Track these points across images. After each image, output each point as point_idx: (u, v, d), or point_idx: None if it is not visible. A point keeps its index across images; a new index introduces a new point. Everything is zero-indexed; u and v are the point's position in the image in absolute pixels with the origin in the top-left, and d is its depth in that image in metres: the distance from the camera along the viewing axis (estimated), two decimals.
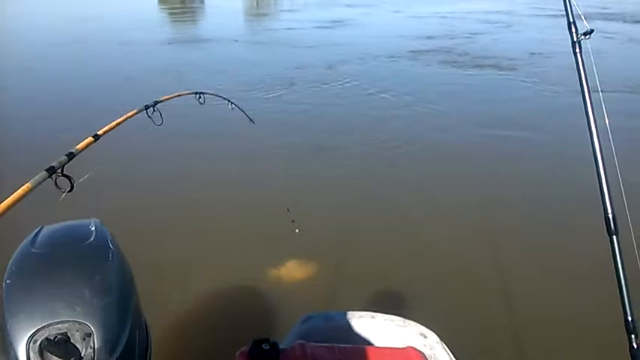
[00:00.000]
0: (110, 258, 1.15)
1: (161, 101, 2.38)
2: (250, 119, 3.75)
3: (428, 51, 12.36)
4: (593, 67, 1.71)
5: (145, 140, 4.43)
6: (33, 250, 1.13)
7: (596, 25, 14.80)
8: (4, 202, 1.36)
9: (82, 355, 1.00)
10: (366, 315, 1.63)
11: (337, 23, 19.30)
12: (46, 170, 1.54)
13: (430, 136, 6.60)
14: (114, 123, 1.96)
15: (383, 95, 8.58)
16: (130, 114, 2.10)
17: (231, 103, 3.66)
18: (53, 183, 1.56)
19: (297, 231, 3.88)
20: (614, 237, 1.59)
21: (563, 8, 1.78)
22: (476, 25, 17.81)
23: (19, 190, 1.43)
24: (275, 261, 3.90)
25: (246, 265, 3.85)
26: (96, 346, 1.01)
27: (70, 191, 1.60)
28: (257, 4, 36.07)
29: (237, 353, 1.23)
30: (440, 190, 5.04)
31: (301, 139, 6.40)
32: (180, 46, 14.61)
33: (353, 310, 1.64)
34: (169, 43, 14.78)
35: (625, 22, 18.87)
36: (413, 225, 4.41)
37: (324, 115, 7.59)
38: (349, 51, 12.66)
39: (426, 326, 1.58)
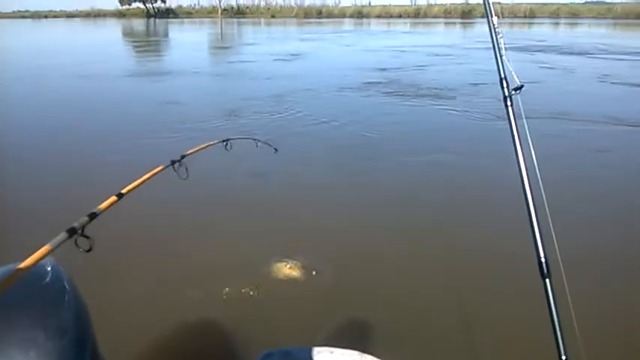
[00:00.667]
0: (66, 299, 1.09)
1: (188, 155, 2.29)
2: (275, 149, 3.78)
3: (376, 83, 12.50)
4: (524, 121, 1.75)
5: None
6: None
7: (535, 56, 15.36)
8: (23, 263, 1.31)
9: None
10: (324, 350, 1.60)
11: (294, 56, 19.47)
12: (67, 231, 1.45)
13: (364, 165, 6.63)
14: (139, 180, 1.85)
15: (327, 123, 8.65)
16: (155, 170, 1.98)
17: (257, 140, 3.67)
18: (73, 243, 1.49)
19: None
20: (547, 280, 1.62)
21: (495, 65, 1.82)
22: (424, 58, 18.19)
23: (39, 252, 1.36)
24: (238, 290, 3.75)
25: (208, 293, 3.71)
26: None
27: (88, 251, 1.54)
28: (221, 37, 36.22)
29: None
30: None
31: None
32: (140, 78, 14.48)
33: (311, 346, 1.60)
34: (129, 76, 14.66)
35: (561, 53, 19.57)
36: (361, 254, 4.31)
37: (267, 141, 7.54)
38: (302, 83, 12.74)
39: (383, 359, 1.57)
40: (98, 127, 8.56)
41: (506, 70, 1.83)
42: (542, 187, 1.67)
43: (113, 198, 1.70)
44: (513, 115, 1.77)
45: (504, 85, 1.82)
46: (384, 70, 14.89)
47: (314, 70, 15.84)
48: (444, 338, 3.27)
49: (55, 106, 10.43)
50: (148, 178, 1.88)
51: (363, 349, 1.64)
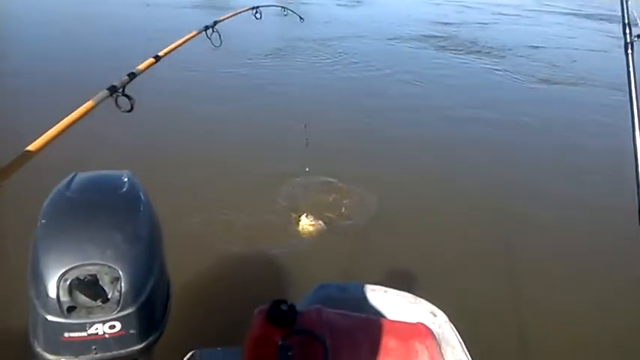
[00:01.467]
0: (141, 209, 1.14)
1: (220, 21, 2.30)
2: (300, 17, 3.74)
3: (432, 36, 12.06)
4: None
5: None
6: (68, 195, 1.12)
7: (603, 26, 14.25)
8: (69, 117, 1.36)
9: (109, 297, 1.01)
10: (379, 289, 1.60)
11: (358, 3, 18.82)
12: (108, 89, 1.52)
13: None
14: (175, 44, 1.91)
15: (373, 72, 8.54)
16: (190, 35, 2.03)
17: (285, 8, 3.71)
18: (114, 102, 1.53)
19: (307, 169, 4.06)
20: None
21: (620, 10, 1.77)
22: (488, 16, 17.29)
23: (82, 108, 1.41)
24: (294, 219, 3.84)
25: (269, 222, 3.78)
26: (122, 290, 1.01)
27: (129, 111, 1.55)
28: None
29: (256, 311, 1.20)
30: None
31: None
32: (203, 10, 14.38)
33: (366, 283, 1.61)
34: (194, 7, 14.58)
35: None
36: (418, 202, 4.28)
37: (308, 87, 7.48)
38: (359, 30, 12.40)
39: (436, 306, 1.57)
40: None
41: (630, 17, 1.77)
42: None
43: (151, 60, 1.75)
44: (632, 61, 1.70)
45: (627, 30, 1.76)
46: (443, 24, 14.29)
47: (374, 18, 15.31)
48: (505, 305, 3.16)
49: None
50: (183, 43, 1.94)
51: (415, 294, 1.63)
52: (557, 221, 4.04)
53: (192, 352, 1.48)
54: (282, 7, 3.72)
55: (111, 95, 1.53)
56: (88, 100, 1.43)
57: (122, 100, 1.56)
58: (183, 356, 1.47)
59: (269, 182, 4.24)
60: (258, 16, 3.08)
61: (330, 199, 4.09)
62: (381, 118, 6.19)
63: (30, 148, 1.22)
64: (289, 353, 1.09)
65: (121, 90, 1.55)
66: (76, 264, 1.00)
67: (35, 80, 6.27)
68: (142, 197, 1.18)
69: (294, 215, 3.83)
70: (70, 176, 1.19)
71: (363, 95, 7.09)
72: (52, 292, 0.99)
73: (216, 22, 2.30)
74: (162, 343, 1.15)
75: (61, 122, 1.33)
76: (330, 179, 4.36)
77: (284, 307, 1.18)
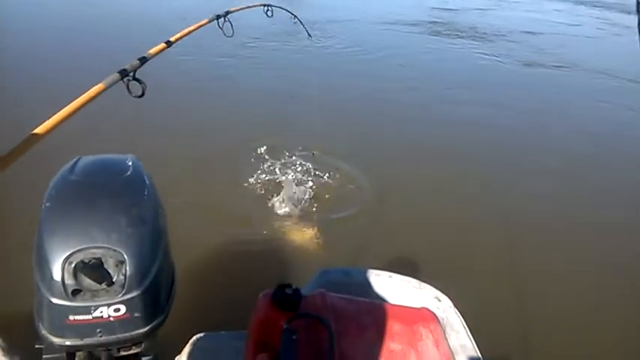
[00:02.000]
0: (145, 193, 1.13)
1: (232, 12, 2.29)
2: (308, 33, 3.68)
3: (428, 22, 11.99)
4: None
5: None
6: (72, 178, 1.11)
7: (601, 13, 14.15)
8: (79, 99, 1.33)
9: (114, 280, 1.00)
10: (384, 274, 1.61)
11: None
12: (119, 72, 1.48)
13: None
14: (186, 30, 1.90)
15: (362, 56, 8.61)
16: (202, 23, 2.03)
17: (295, 16, 3.66)
18: (125, 86, 1.50)
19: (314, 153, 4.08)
20: None
21: None
22: (489, 2, 17.15)
23: (93, 90, 1.38)
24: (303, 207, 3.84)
25: (270, 208, 3.78)
26: (127, 274, 1.01)
27: (140, 96, 1.52)
28: None
29: (261, 295, 1.20)
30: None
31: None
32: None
33: (370, 268, 1.61)
34: None
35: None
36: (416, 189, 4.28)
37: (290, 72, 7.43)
38: (359, 14, 12.29)
39: (441, 291, 1.58)
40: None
41: None
42: None
43: (162, 45, 1.73)
44: None
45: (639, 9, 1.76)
46: (441, 9, 14.14)
47: (374, 2, 15.20)
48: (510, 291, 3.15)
49: None
50: (195, 29, 1.93)
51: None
52: (558, 214, 4.02)
53: (197, 335, 1.47)
54: (293, 15, 3.67)
55: (122, 79, 1.49)
56: (98, 83, 1.41)
57: (133, 84, 1.53)
58: (188, 340, 1.46)
59: (270, 166, 4.22)
60: (269, 13, 3.08)
61: (328, 184, 4.10)
62: (374, 102, 6.18)
63: (37, 131, 1.19)
64: (294, 337, 1.08)
65: (132, 74, 1.52)
66: (81, 247, 0.99)
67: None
68: (147, 181, 1.16)
69: (293, 201, 3.82)
70: (74, 160, 1.17)
71: (354, 80, 7.08)
72: (56, 275, 0.98)
73: (228, 12, 2.28)
74: (166, 327, 1.14)
75: (70, 104, 1.30)
76: (329, 167, 4.35)
77: (289, 290, 1.18)
